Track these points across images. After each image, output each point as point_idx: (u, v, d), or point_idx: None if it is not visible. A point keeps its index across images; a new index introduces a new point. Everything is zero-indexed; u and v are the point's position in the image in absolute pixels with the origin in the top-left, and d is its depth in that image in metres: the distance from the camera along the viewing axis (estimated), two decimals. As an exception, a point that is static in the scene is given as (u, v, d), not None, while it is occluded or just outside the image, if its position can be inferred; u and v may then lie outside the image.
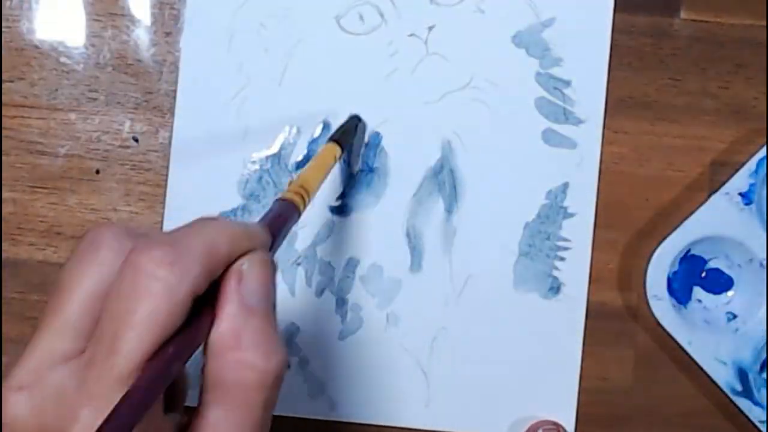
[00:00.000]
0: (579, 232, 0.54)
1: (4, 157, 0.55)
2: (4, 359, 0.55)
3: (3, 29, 0.56)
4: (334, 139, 0.49)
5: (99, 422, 0.27)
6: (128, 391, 0.28)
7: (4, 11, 0.56)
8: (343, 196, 0.55)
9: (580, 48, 0.54)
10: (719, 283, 0.54)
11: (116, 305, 0.29)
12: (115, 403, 0.27)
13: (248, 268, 0.32)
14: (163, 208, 0.55)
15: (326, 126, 0.55)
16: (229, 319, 0.31)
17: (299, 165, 0.55)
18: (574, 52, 0.54)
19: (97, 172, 0.55)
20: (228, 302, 0.31)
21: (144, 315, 0.29)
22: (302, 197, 0.41)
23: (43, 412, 0.29)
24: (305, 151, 0.55)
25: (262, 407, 0.31)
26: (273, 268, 0.34)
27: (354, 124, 0.53)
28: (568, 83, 0.54)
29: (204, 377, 0.31)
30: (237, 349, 0.31)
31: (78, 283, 0.31)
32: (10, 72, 0.55)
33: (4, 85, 0.55)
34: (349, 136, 0.52)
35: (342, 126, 0.52)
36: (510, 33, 0.54)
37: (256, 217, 0.54)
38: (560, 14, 0.54)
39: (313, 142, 0.55)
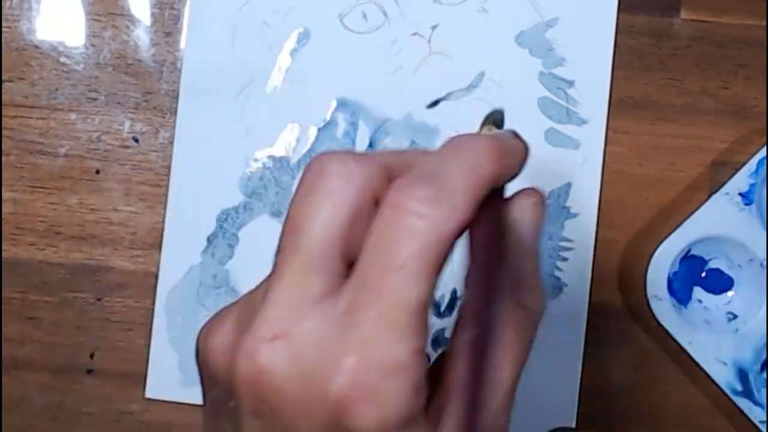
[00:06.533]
0: (581, 233, 0.54)
1: (4, 157, 0.55)
2: (4, 359, 0.55)
3: (3, 29, 0.55)
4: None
5: (364, 371, 0.26)
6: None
7: (4, 11, 0.55)
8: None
9: (583, 48, 0.54)
10: (719, 283, 0.54)
11: (379, 246, 0.27)
12: (385, 350, 0.26)
13: (523, 209, 0.33)
14: (164, 208, 0.55)
15: (328, 124, 0.55)
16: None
17: (301, 163, 0.55)
18: (578, 52, 0.54)
19: (97, 172, 0.55)
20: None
21: (413, 255, 0.27)
22: None
23: (302, 361, 0.27)
24: (308, 148, 0.55)
25: (529, 347, 0.32)
26: (544, 203, 0.34)
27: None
28: (571, 83, 0.54)
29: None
30: (515, 291, 0.31)
31: (313, 218, 0.28)
32: (10, 72, 0.55)
33: (4, 85, 0.55)
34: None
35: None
36: (513, 33, 0.54)
37: (256, 215, 0.55)
38: (564, 14, 0.54)
39: (316, 141, 0.55)
